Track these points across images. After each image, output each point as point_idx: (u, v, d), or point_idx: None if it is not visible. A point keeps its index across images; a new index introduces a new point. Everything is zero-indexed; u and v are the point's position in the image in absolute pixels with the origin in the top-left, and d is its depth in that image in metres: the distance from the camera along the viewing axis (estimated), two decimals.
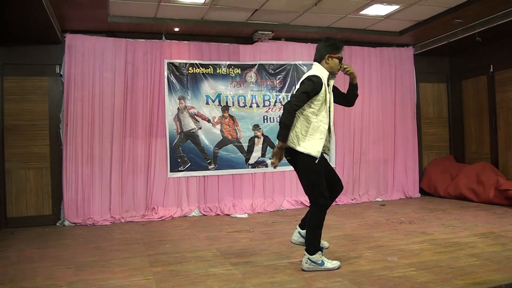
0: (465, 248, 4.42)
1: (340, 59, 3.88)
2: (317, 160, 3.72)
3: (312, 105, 3.73)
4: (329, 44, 3.87)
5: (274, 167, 3.83)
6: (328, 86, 3.82)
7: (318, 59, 3.89)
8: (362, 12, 6.77)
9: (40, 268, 4.19)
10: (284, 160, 7.69)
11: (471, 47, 8.15)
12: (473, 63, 8.58)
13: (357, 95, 4.09)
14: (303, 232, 3.97)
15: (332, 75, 3.88)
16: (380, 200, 8.12)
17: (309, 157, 3.72)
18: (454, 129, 9.10)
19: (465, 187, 7.68)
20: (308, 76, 3.78)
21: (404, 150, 8.42)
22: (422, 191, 8.57)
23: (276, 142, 7.64)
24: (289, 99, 3.84)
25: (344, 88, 4.13)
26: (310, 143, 3.72)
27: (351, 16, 6.96)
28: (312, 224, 3.79)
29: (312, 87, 3.67)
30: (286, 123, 3.65)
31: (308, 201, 7.23)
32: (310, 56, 7.76)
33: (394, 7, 6.57)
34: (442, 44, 8.01)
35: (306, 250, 3.81)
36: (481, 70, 8.33)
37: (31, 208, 6.62)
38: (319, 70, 3.82)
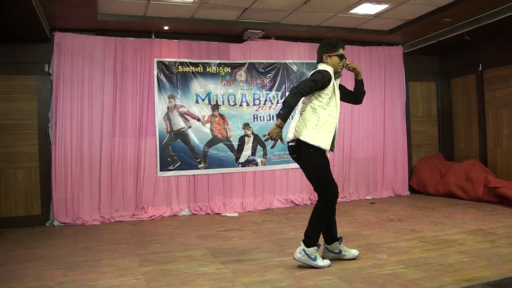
0: (454, 245, 4.45)
1: (340, 56, 3.97)
2: (326, 152, 3.86)
3: (320, 98, 3.82)
4: (324, 45, 4.00)
5: (272, 147, 3.86)
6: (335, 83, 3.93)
7: (319, 60, 4.03)
8: (351, 11, 6.78)
9: (29, 269, 4.16)
10: (275, 158, 7.72)
11: (460, 46, 8.22)
12: (462, 62, 8.64)
13: (364, 92, 4.18)
14: (331, 246, 4.02)
15: (336, 74, 3.98)
16: (370, 198, 8.16)
17: (317, 152, 3.79)
18: (443, 127, 9.17)
19: (454, 185, 7.73)
20: (318, 69, 3.91)
21: (393, 148, 8.46)
22: (411, 189, 8.63)
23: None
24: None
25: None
26: (320, 135, 3.78)
27: (340, 15, 6.98)
28: (316, 219, 3.84)
29: (321, 77, 3.77)
30: (291, 103, 3.66)
31: (298, 199, 7.25)
32: (300, 55, 7.86)
33: (383, 6, 6.59)
34: (431, 43, 8.06)
35: (303, 241, 3.84)
36: (470, 69, 8.40)
37: (20, 208, 6.57)
38: (325, 67, 3.92)
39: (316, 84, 3.75)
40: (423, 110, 9.09)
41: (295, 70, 7.81)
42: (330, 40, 4.01)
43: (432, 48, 8.39)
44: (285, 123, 3.68)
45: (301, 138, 3.79)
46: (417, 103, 9.02)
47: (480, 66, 8.16)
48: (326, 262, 3.85)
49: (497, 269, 3.62)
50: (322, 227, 3.88)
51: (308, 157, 3.83)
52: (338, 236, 4.07)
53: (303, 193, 7.77)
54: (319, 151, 3.81)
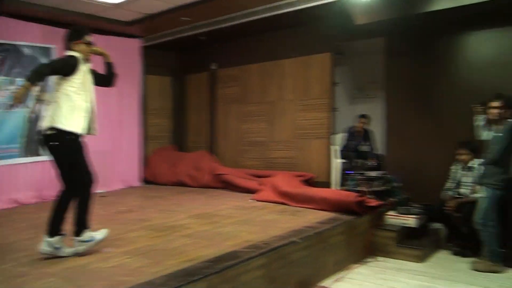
0: (180, 230, 4.81)
1: (87, 43, 4.02)
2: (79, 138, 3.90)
3: (72, 83, 3.83)
4: (71, 33, 4.02)
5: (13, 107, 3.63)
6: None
7: (66, 49, 4.00)
8: None
9: None
10: None
11: (197, 45, 8.84)
12: (197, 60, 9.35)
13: (114, 73, 4.29)
14: (54, 240, 3.82)
15: (86, 60, 4.02)
16: (101, 191, 7.71)
17: (73, 138, 3.82)
18: (176, 120, 9.74)
19: (184, 174, 8.35)
20: (66, 54, 3.95)
21: (127, 140, 8.50)
22: (145, 180, 8.81)
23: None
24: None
25: None
26: (74, 121, 3.81)
27: (81, 0, 6.66)
28: (88, 204, 3.94)
29: (69, 59, 3.85)
30: (40, 70, 3.68)
31: (23, 198, 6.63)
32: (34, 37, 7.22)
33: None
34: (170, 39, 8.44)
35: (76, 231, 3.89)
36: (205, 67, 9.18)
37: None
38: (73, 53, 3.95)
39: (64, 63, 3.83)
40: (159, 103, 9.45)
41: (28, 54, 7.07)
42: (77, 27, 4.10)
43: (171, 44, 8.78)
44: (32, 86, 3.57)
45: (57, 125, 3.75)
46: (153, 96, 9.30)
47: (214, 65, 8.99)
48: (74, 249, 3.91)
49: (218, 247, 4.04)
50: (89, 211, 3.94)
51: (64, 144, 3.81)
52: (63, 233, 3.94)
53: (30, 191, 6.97)
54: (76, 136, 3.84)
